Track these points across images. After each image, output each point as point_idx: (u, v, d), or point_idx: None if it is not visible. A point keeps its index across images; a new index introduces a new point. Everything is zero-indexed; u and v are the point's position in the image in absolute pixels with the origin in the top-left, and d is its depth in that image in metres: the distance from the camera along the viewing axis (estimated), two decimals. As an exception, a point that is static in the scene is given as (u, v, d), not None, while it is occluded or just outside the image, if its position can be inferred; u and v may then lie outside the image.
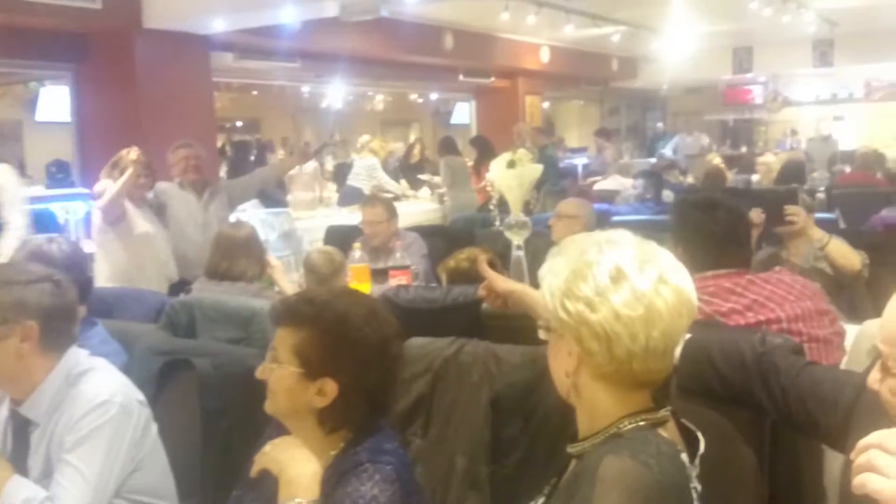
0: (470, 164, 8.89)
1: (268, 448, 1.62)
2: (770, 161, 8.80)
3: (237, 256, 3.62)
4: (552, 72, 11.78)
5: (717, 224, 2.54)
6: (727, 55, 13.24)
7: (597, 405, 1.39)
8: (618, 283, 1.33)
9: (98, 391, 1.96)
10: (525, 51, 11.12)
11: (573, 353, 1.37)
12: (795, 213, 3.47)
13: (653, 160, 12.24)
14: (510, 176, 3.72)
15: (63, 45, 6.58)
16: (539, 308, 1.86)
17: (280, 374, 1.64)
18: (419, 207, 8.73)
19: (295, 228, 6.72)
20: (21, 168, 10.90)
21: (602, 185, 8.65)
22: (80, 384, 1.99)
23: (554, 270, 1.39)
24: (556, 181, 8.17)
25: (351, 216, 7.66)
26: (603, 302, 1.32)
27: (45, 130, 10.18)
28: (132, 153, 4.42)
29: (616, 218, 5.42)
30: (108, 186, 4.45)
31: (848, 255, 3.46)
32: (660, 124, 16.02)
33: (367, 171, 8.96)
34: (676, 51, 11.36)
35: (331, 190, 9.73)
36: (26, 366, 1.97)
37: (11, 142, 11.62)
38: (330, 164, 11.80)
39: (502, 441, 2.07)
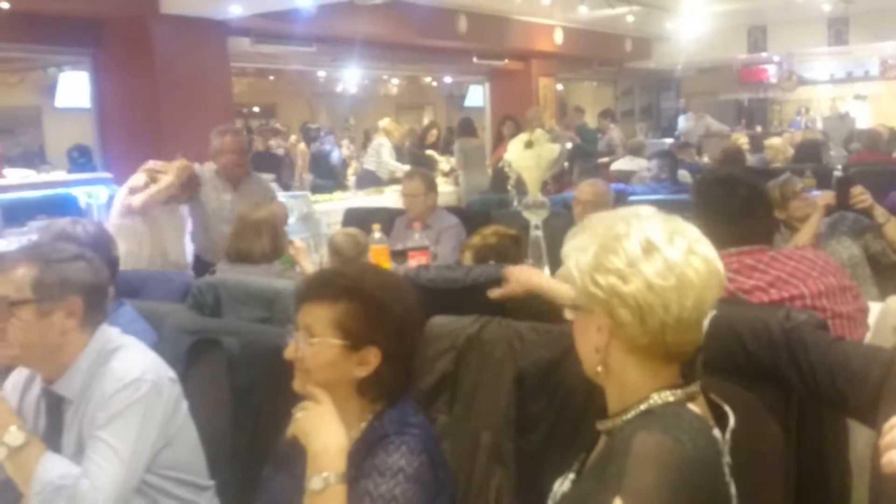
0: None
1: (299, 415, 1.64)
2: (777, 143, 8.76)
3: (255, 236, 3.65)
4: (566, 53, 11.72)
5: (736, 200, 2.54)
6: (741, 34, 13.10)
7: (626, 380, 1.39)
8: (649, 254, 1.33)
9: (129, 369, 1.98)
10: (539, 32, 11.07)
11: (604, 328, 1.37)
12: (862, 192, 3.54)
13: (670, 140, 12.19)
14: (528, 156, 3.72)
15: (81, 30, 6.61)
16: (562, 296, 1.89)
17: (319, 349, 1.66)
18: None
19: (313, 211, 6.77)
20: (41, 153, 11.00)
21: (617, 165, 8.65)
22: (112, 361, 2.00)
23: (580, 246, 1.39)
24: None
25: (368, 199, 7.71)
26: (635, 273, 1.32)
27: (65, 116, 10.24)
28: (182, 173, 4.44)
29: (633, 198, 5.42)
30: (140, 183, 4.48)
31: None
32: (682, 101, 15.91)
33: (376, 151, 9.01)
34: (690, 30, 11.28)
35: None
36: (67, 342, 1.99)
37: (31, 127, 11.69)
38: (347, 148, 11.91)
39: (527, 417, 2.09)
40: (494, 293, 2.23)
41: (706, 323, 1.68)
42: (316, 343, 1.66)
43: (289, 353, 1.70)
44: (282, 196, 5.68)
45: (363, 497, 1.56)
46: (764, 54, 13.80)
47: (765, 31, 13.06)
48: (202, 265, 4.60)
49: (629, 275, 1.33)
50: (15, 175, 6.79)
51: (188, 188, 4.62)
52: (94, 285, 2.05)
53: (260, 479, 1.86)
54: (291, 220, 6.14)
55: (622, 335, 1.35)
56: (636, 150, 8.96)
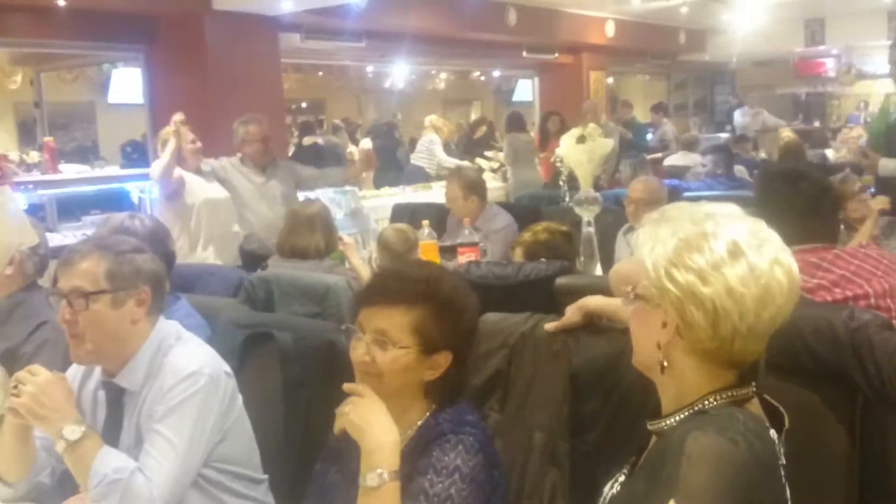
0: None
1: (347, 408, 1.61)
2: (862, 133, 8.53)
3: (305, 232, 3.67)
4: (618, 46, 11.58)
5: (800, 196, 2.47)
6: (798, 27, 12.84)
7: (685, 380, 1.34)
8: (735, 258, 1.28)
9: (187, 362, 2.00)
10: (590, 25, 10.96)
11: (670, 325, 1.32)
12: None
13: (725, 135, 11.99)
14: (580, 151, 3.68)
15: (135, 27, 6.71)
16: (617, 312, 1.86)
17: (397, 354, 1.64)
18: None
19: (362, 207, 6.79)
20: (95, 148, 11.22)
21: (670, 160, 8.54)
22: (171, 354, 2.03)
23: (659, 238, 1.33)
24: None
25: (415, 194, 7.71)
26: (717, 276, 1.27)
27: (118, 112, 10.42)
28: (175, 117, 4.45)
29: (688, 194, 5.33)
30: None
31: None
32: (732, 97, 15.64)
33: (426, 147, 9.02)
34: (746, 22, 11.08)
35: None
36: (134, 331, 2.02)
37: (85, 123, 11.92)
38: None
39: (581, 417, 2.05)
40: (549, 326, 2.14)
41: None
42: (394, 348, 1.64)
43: (357, 356, 1.67)
44: (331, 191, 5.71)
45: (418, 495, 1.55)
46: (822, 47, 13.50)
47: (822, 23, 12.78)
48: (243, 256, 4.65)
49: (710, 276, 1.28)
50: (70, 170, 6.93)
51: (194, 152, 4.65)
52: (160, 275, 2.10)
53: (311, 474, 1.86)
54: (340, 215, 6.17)
55: (689, 336, 1.31)
56: (690, 145, 8.84)
